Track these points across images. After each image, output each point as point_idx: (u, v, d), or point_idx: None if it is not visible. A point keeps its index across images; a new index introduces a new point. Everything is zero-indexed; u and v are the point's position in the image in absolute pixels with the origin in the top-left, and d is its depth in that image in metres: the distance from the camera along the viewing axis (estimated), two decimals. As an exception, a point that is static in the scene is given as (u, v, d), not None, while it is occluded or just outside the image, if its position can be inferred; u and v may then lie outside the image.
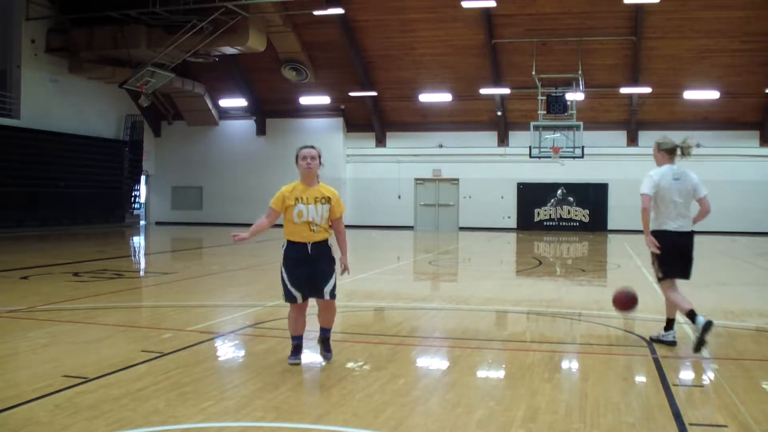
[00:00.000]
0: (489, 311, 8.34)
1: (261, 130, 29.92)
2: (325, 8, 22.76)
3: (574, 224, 27.35)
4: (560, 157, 24.07)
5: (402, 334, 6.80)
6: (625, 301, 6.59)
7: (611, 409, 4.35)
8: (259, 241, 21.49)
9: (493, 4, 20.93)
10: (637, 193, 6.14)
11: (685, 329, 7.06)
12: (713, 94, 24.70)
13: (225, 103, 29.71)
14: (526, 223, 27.77)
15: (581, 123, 23.48)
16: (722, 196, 26.00)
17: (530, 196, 27.76)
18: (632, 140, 26.63)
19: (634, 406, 4.41)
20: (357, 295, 9.72)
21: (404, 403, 4.42)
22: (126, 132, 28.32)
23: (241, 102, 29.32)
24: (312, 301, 5.40)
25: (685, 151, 6.22)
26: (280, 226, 5.36)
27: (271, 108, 29.46)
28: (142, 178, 29.89)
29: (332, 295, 5.31)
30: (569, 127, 23.65)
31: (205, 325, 7.04)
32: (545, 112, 23.89)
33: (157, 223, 30.85)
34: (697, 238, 6.13)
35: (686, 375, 5.38)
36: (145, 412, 4.13)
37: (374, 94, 27.38)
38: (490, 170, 27.65)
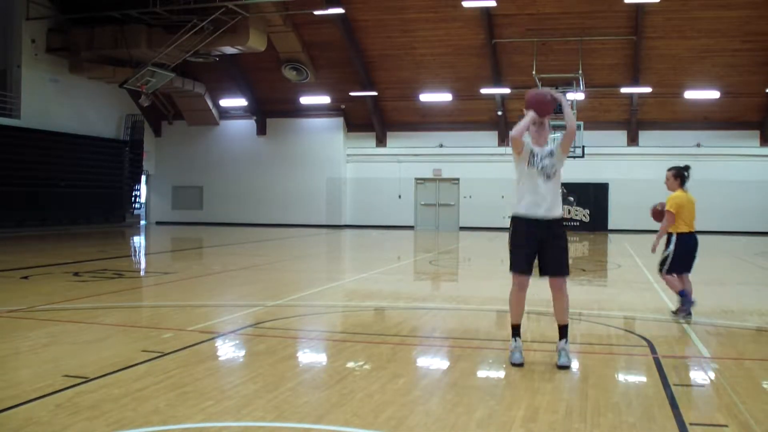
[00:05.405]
0: (489, 311, 8.33)
1: (261, 130, 29.92)
2: (326, 8, 22.75)
3: (575, 224, 27.32)
4: (560, 157, 24.03)
5: (402, 334, 6.80)
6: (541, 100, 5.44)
7: (611, 408, 4.35)
8: (259, 241, 21.50)
9: (494, 3, 20.92)
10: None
11: (684, 327, 7.07)
12: (713, 94, 24.67)
13: (225, 102, 29.71)
14: (526, 222, 27.70)
15: (581, 123, 23.42)
16: (722, 195, 26.01)
17: (531, 195, 27.69)
18: (632, 140, 26.60)
19: (634, 406, 4.41)
20: (357, 295, 9.72)
21: (404, 403, 4.42)
22: (126, 132, 28.33)
23: (241, 102, 29.31)
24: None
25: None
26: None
27: (272, 108, 29.45)
28: (143, 178, 29.90)
29: None
30: (569, 127, 23.60)
31: (206, 325, 7.04)
32: (545, 111, 23.83)
33: (158, 223, 30.85)
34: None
35: (686, 375, 5.37)
36: (145, 412, 4.13)
37: (374, 93, 27.37)
38: (490, 170, 27.60)
